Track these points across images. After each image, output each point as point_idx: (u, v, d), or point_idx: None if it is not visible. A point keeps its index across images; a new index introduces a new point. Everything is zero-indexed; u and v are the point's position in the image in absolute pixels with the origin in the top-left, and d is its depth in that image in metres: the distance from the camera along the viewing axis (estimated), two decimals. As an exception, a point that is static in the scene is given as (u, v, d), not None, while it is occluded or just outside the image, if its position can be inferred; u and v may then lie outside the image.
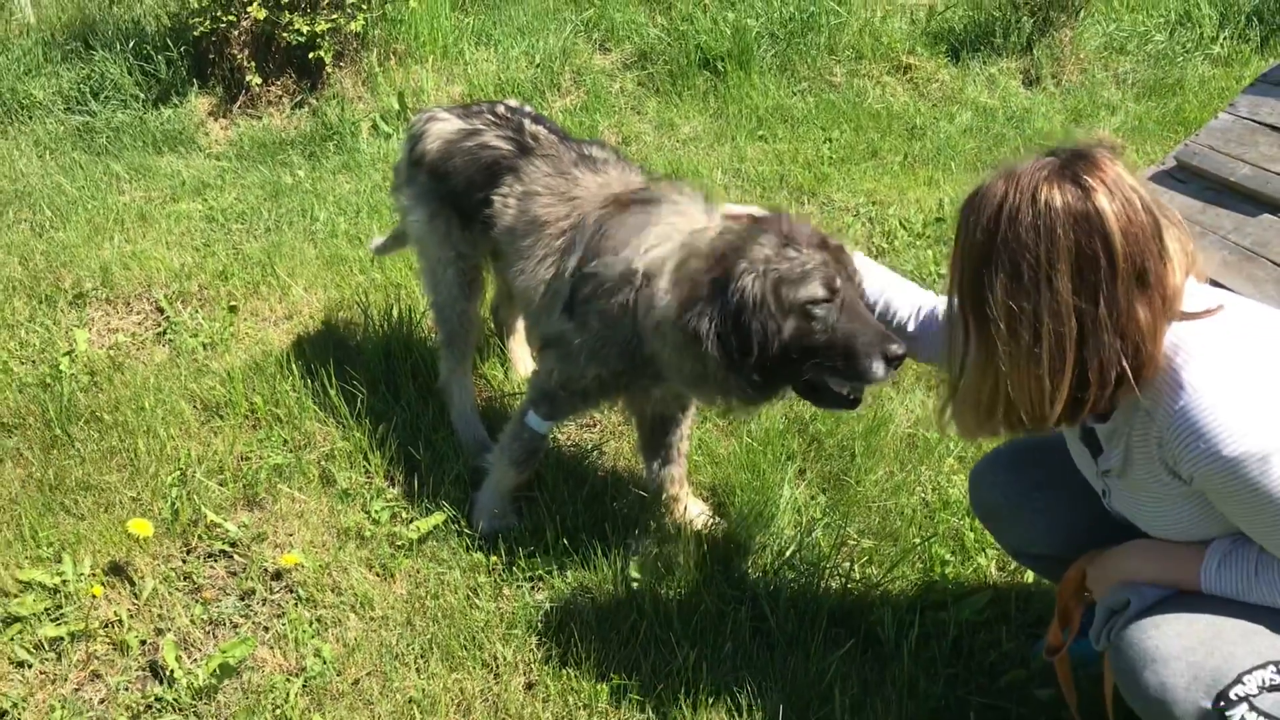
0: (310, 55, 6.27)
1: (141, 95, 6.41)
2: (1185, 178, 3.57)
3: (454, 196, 3.16)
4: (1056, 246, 1.72)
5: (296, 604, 2.87)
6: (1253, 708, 1.76)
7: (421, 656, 2.68)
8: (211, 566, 3.02)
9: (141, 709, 2.59)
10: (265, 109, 6.38)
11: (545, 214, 2.88)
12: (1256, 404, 1.72)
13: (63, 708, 2.58)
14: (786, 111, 6.19)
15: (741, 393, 2.45)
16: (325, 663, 2.67)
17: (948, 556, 2.92)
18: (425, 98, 6.31)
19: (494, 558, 2.96)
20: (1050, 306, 1.74)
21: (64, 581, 2.87)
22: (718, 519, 3.12)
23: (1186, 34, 6.97)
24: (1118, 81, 6.59)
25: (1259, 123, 3.59)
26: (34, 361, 3.99)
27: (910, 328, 2.42)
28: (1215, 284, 2.28)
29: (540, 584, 2.92)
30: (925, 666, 2.58)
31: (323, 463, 3.35)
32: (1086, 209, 1.72)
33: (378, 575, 2.95)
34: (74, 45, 6.78)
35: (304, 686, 2.61)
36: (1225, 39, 6.89)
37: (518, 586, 2.90)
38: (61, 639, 2.74)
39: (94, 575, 2.91)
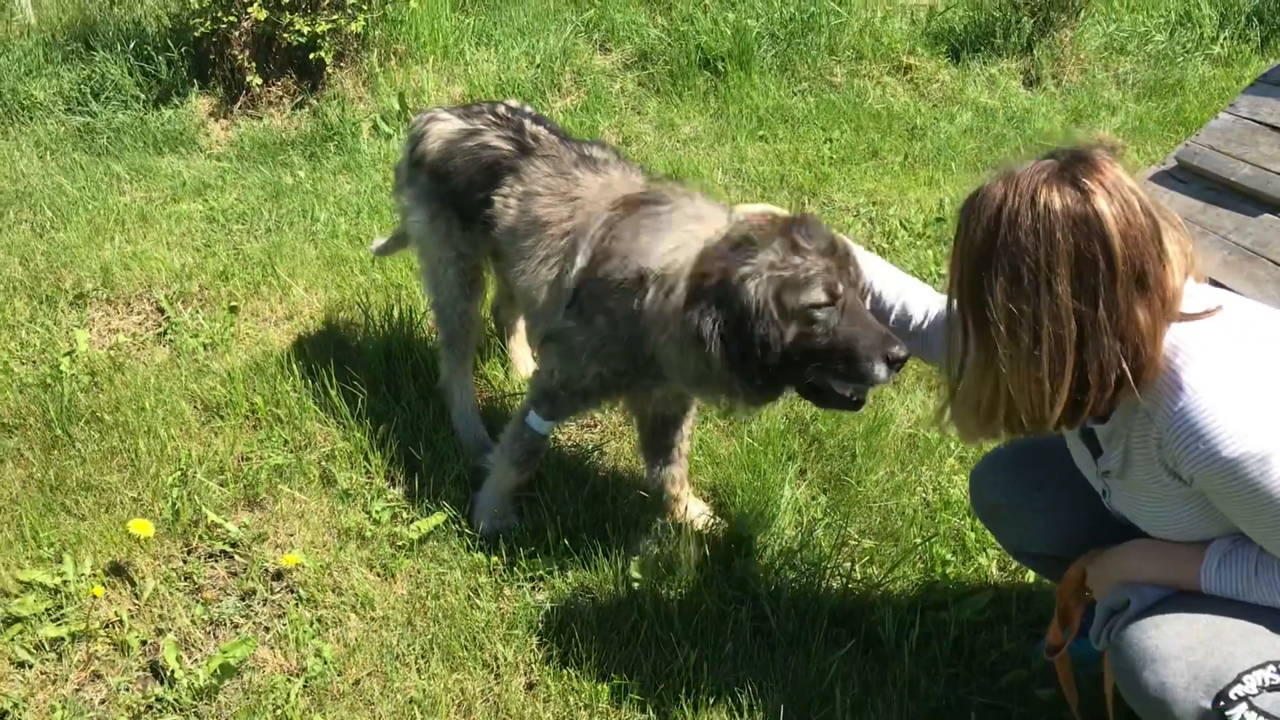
0: (311, 56, 6.27)
1: (142, 96, 6.41)
2: (1186, 178, 3.57)
3: (455, 197, 3.16)
4: (1056, 249, 1.72)
5: (297, 604, 2.87)
6: (1252, 707, 1.76)
7: (422, 657, 2.69)
8: (212, 567, 3.02)
9: (142, 709, 2.59)
10: (266, 109, 6.38)
11: (547, 214, 2.88)
12: (1256, 405, 1.72)
13: (63, 708, 2.58)
14: (787, 112, 6.19)
15: (744, 393, 2.47)
16: (326, 663, 2.67)
17: (949, 556, 2.92)
18: (426, 98, 6.31)
19: (495, 558, 2.96)
20: (1050, 309, 1.74)
21: (65, 582, 2.87)
22: (718, 519, 3.12)
23: (1187, 34, 6.97)
24: (1118, 82, 6.59)
25: (1259, 123, 3.59)
26: (35, 362, 3.99)
27: (926, 329, 2.42)
28: (1216, 284, 2.29)
29: (541, 584, 2.92)
30: (926, 666, 2.58)
31: (323, 463, 3.35)
32: (1086, 212, 1.71)
33: (378, 575, 2.96)
34: (75, 46, 6.79)
35: (305, 687, 2.61)
36: (1225, 39, 6.89)
37: (518, 587, 2.90)
38: (62, 639, 2.74)
39: (95, 575, 2.92)
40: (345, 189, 5.48)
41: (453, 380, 3.45)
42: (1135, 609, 1.96)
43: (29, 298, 4.40)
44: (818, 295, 2.32)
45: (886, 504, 3.12)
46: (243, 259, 4.69)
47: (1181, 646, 1.83)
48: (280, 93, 6.45)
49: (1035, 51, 6.64)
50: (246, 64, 6.27)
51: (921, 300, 2.45)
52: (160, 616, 2.84)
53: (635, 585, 2.82)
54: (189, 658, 2.73)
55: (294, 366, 3.74)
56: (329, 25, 6.18)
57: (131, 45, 6.55)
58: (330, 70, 6.38)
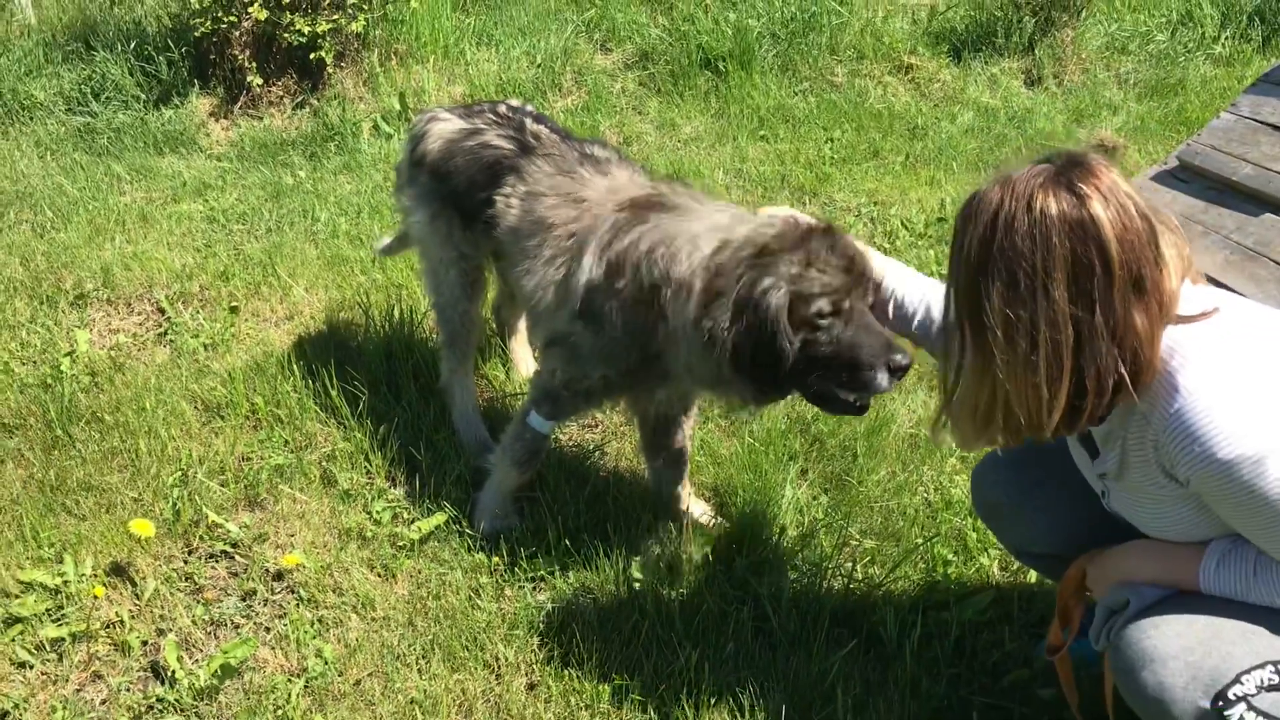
0: (311, 56, 6.27)
1: (142, 96, 6.41)
2: (1187, 177, 3.57)
3: (456, 196, 3.16)
4: (1052, 255, 1.72)
5: (298, 604, 2.87)
6: (1251, 707, 1.76)
7: (423, 657, 2.69)
8: (213, 567, 3.02)
9: (143, 709, 2.59)
10: (266, 109, 6.38)
11: (552, 215, 2.86)
12: (1252, 406, 1.72)
13: (64, 708, 2.58)
14: (788, 111, 6.19)
15: (753, 396, 2.52)
16: (327, 663, 2.67)
17: (950, 556, 2.92)
18: (426, 98, 6.31)
19: (496, 558, 2.96)
20: (1047, 315, 1.74)
21: (65, 582, 2.88)
22: (720, 519, 3.12)
23: (1188, 34, 6.96)
24: (1119, 81, 6.59)
25: (1261, 122, 3.59)
26: (35, 362, 3.99)
27: None
28: (1217, 284, 2.29)
29: (542, 584, 2.92)
30: (928, 666, 2.58)
31: (324, 463, 3.35)
32: (1082, 216, 1.71)
33: (379, 576, 2.96)
34: (75, 46, 6.79)
35: (305, 687, 2.61)
36: (1227, 39, 6.89)
37: (519, 587, 2.90)
38: (63, 640, 2.74)
39: (95, 576, 2.92)
40: (346, 189, 5.48)
41: (454, 380, 3.45)
42: (1135, 609, 1.96)
43: (29, 298, 4.40)
44: (823, 306, 2.35)
45: (888, 504, 3.12)
46: (243, 259, 4.69)
47: (1180, 646, 1.83)
48: (281, 93, 6.45)
49: (1037, 51, 6.64)
50: (247, 64, 6.27)
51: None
52: (161, 617, 2.84)
53: (636, 585, 2.82)
54: (190, 658, 2.74)
55: (295, 367, 3.74)
56: (329, 25, 6.18)
57: (132, 45, 6.55)
58: (331, 70, 6.38)
